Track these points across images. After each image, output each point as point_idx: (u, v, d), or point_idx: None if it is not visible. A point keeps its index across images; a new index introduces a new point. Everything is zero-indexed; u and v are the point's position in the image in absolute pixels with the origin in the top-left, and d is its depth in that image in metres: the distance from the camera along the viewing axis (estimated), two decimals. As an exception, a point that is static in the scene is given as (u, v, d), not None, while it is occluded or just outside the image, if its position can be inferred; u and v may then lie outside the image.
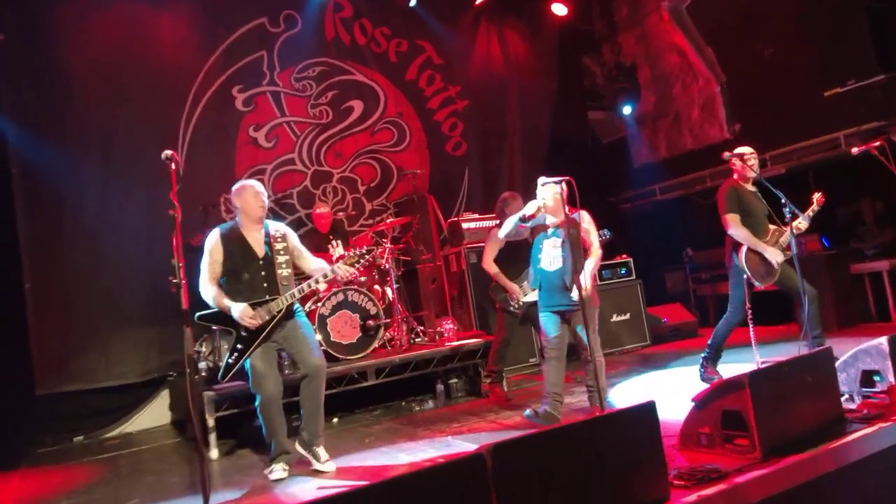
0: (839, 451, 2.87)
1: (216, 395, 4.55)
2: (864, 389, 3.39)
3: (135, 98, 6.07)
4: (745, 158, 4.69)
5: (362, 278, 5.65)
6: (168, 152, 2.92)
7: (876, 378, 3.36)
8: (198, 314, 3.66)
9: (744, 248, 4.55)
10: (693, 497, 2.50)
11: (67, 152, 5.76)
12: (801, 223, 4.53)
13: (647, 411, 2.58)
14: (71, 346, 5.68)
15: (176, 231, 2.83)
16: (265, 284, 3.73)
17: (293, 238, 3.97)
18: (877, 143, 4.79)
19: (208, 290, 3.67)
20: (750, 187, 4.73)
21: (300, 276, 4.05)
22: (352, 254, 3.85)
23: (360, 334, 5.37)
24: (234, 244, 3.75)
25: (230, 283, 3.73)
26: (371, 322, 5.42)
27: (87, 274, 5.80)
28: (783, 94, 7.15)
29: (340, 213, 6.63)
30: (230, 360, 3.69)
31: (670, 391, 4.68)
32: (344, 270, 3.80)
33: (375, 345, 5.45)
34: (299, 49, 7.05)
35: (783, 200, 4.46)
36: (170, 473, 4.22)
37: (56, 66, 5.81)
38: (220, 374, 3.74)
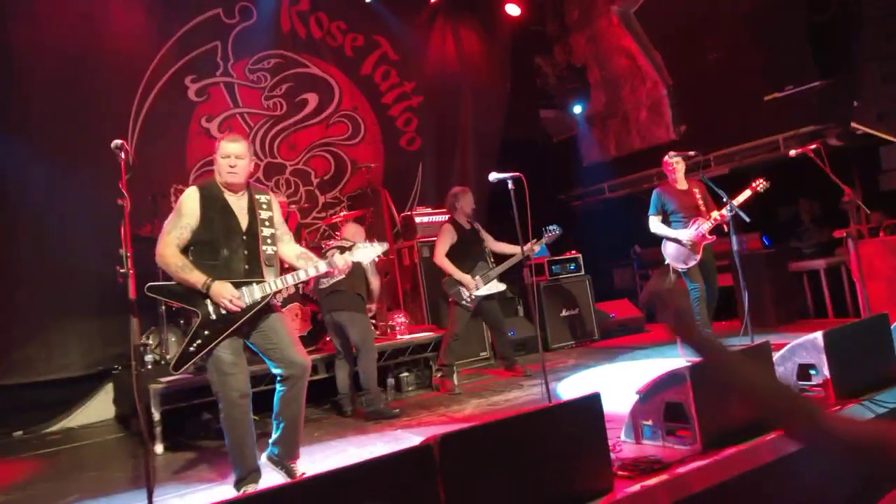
0: (777, 443, 2.93)
1: (163, 389, 4.42)
2: (801, 383, 3.46)
3: (84, 85, 5.85)
4: (674, 163, 5.42)
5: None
6: (118, 142, 2.80)
7: (812, 372, 3.44)
8: (149, 285, 3.05)
9: (665, 241, 5.37)
10: (636, 487, 2.54)
11: (11, 137, 5.50)
12: (717, 216, 5.19)
13: (591, 403, 2.61)
14: (10, 337, 5.45)
15: (124, 220, 2.74)
16: (246, 266, 3.09)
17: (279, 212, 3.33)
18: (813, 147, 5.01)
19: (173, 258, 2.98)
20: (681, 186, 5.44)
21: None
22: (363, 245, 3.37)
23: (311, 327, 5.32)
24: (216, 210, 3.09)
25: (202, 255, 3.05)
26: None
27: (31, 263, 5.56)
28: (726, 97, 7.40)
29: (293, 206, 6.56)
30: (191, 349, 2.97)
31: (617, 384, 4.78)
32: (334, 263, 3.21)
33: (326, 338, 5.40)
34: (254, 41, 6.95)
35: (725, 200, 4.71)
36: (112, 469, 4.10)
37: (1, 47, 5.55)
38: (173, 363, 3.02)
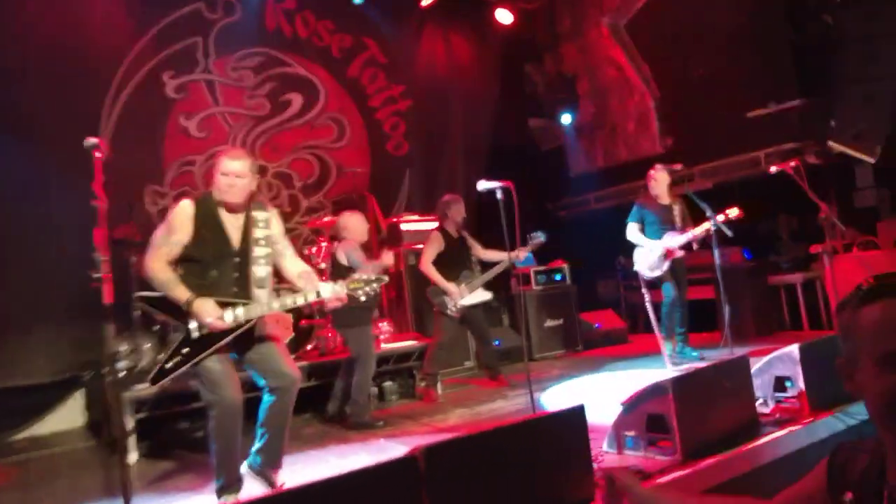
0: (753, 453, 2.99)
1: (136, 397, 4.30)
2: (777, 394, 3.53)
3: (57, 79, 5.66)
4: (657, 178, 5.80)
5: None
6: (93, 140, 2.71)
7: (787, 384, 3.51)
8: (139, 294, 3.09)
9: (636, 249, 5.79)
10: (618, 498, 2.58)
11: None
12: (692, 234, 5.52)
13: (576, 414, 2.62)
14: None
15: (99, 223, 2.67)
16: (235, 288, 3.04)
17: (277, 227, 3.24)
18: (792, 164, 5.13)
19: (160, 272, 2.94)
20: (664, 202, 5.82)
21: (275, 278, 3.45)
22: (357, 277, 3.18)
23: (293, 335, 5.25)
24: (208, 229, 3.03)
25: (192, 273, 3.01)
26: (304, 322, 5.31)
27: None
28: (711, 112, 7.49)
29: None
30: (168, 366, 2.94)
31: (600, 395, 4.79)
32: (333, 292, 3.09)
33: (308, 346, 5.35)
34: (237, 38, 6.81)
35: (708, 214, 4.83)
36: (84, 477, 4.00)
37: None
38: (150, 378, 3.01)
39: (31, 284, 5.50)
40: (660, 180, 5.80)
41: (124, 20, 6.15)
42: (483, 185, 4.14)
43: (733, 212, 5.40)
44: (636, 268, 5.82)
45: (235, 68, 6.87)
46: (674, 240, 5.61)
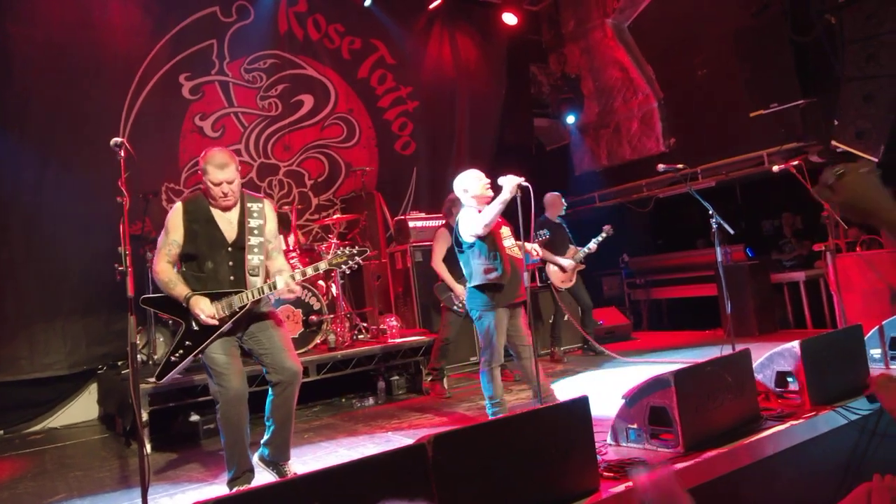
0: (755, 447, 3.04)
1: (150, 389, 4.40)
2: (779, 389, 3.61)
3: (78, 80, 5.82)
4: (555, 201, 6.54)
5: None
6: (118, 139, 2.82)
7: (789, 379, 3.57)
8: (142, 297, 3.21)
9: (548, 264, 6.44)
10: (621, 488, 2.61)
11: (4, 131, 5.46)
12: (587, 249, 6.39)
13: (579, 406, 2.68)
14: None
15: (123, 218, 2.78)
16: (231, 277, 3.16)
17: (272, 222, 3.34)
18: (795, 163, 5.18)
19: (163, 274, 3.11)
20: (557, 221, 6.57)
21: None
22: (340, 252, 3.23)
23: (302, 329, 5.34)
24: (200, 224, 3.15)
25: (191, 268, 3.18)
26: (314, 317, 5.41)
27: (18, 260, 5.51)
28: (714, 112, 7.58)
29: (286, 207, 6.59)
30: (173, 358, 3.09)
31: (604, 389, 4.87)
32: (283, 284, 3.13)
33: (317, 340, 5.44)
34: (251, 40, 6.94)
35: (710, 212, 4.89)
36: (98, 468, 4.08)
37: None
38: (157, 372, 3.15)
39: (51, 280, 5.62)
40: (555, 203, 6.59)
41: (143, 26, 6.28)
42: (503, 180, 4.00)
43: (607, 229, 6.40)
44: (551, 280, 6.49)
45: (249, 70, 6.99)
46: (578, 254, 6.43)
